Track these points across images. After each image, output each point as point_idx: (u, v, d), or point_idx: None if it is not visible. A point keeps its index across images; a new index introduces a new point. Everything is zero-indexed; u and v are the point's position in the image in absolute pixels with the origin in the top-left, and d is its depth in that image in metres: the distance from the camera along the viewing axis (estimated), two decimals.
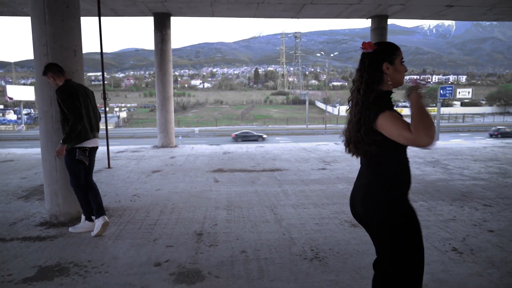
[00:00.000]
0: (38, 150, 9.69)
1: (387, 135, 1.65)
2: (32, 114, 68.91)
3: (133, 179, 6.21)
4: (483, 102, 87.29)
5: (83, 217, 3.71)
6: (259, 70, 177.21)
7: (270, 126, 55.65)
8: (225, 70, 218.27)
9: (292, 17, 10.39)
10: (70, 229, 3.70)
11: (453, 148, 9.57)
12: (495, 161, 7.67)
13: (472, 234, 3.63)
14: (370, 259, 3.06)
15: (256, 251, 3.26)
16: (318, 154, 8.74)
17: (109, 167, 7.23)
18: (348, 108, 1.86)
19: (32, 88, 62.44)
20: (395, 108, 1.79)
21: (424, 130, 1.54)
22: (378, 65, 1.73)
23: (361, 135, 1.71)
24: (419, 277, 1.75)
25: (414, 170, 6.79)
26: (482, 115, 69.88)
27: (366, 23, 10.96)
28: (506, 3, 8.90)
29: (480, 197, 4.95)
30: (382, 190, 1.74)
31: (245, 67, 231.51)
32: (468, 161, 7.69)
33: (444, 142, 11.53)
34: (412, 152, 8.79)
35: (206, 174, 6.54)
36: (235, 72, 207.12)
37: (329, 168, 7.00)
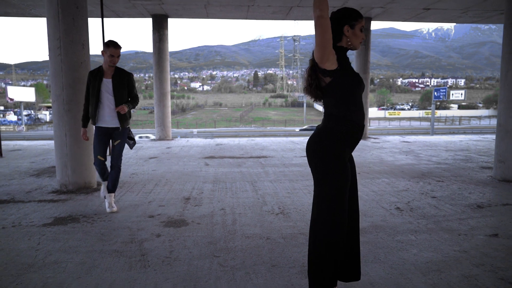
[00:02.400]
0: (43, 142, 10.38)
1: (316, 59, 1.86)
2: (32, 115, 69.63)
3: (132, 163, 6.88)
4: (480, 105, 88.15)
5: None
6: (258, 73, 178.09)
7: (268, 128, 56.36)
8: (225, 73, 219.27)
9: (282, 19, 11.09)
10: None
11: (431, 141, 10.26)
12: (465, 151, 8.35)
13: (417, 199, 4.31)
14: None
15: (233, 209, 3.93)
16: (304, 145, 9.41)
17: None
18: (304, 75, 2.05)
19: (32, 89, 63.26)
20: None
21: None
22: (339, 26, 1.94)
23: (312, 79, 1.94)
24: (337, 228, 1.94)
25: (388, 157, 7.47)
26: (479, 117, 70.75)
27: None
28: (478, 7, 9.61)
29: (437, 176, 5.63)
30: (325, 137, 1.96)
31: (245, 70, 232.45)
32: (440, 151, 8.37)
33: (425, 137, 12.20)
34: (391, 144, 9.51)
35: (198, 160, 7.22)
36: (234, 75, 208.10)
37: None
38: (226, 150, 8.56)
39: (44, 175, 5.73)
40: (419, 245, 2.94)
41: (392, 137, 11.85)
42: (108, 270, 2.53)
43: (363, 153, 8.13)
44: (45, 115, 69.83)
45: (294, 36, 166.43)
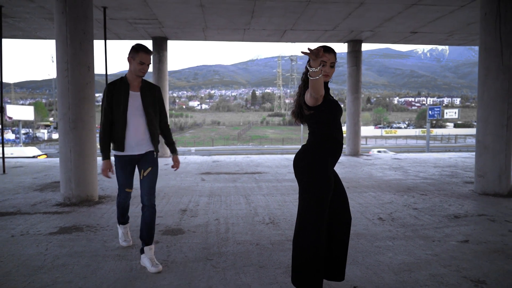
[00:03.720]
0: (43, 159, 10.65)
1: (306, 101, 2.24)
2: (30, 134, 69.89)
3: None
4: (475, 123, 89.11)
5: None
6: (256, 92, 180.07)
7: (265, 146, 56.73)
8: (223, 92, 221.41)
9: (276, 41, 11.59)
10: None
11: (421, 158, 10.59)
12: (452, 167, 8.68)
13: (399, 210, 4.60)
14: None
15: (226, 219, 4.21)
16: None
17: None
18: (294, 96, 2.51)
19: (31, 108, 63.87)
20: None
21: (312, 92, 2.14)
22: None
23: (301, 110, 2.35)
24: (318, 235, 2.21)
25: (377, 173, 7.78)
26: (475, 136, 71.46)
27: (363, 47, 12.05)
28: (462, 31, 10.14)
29: (422, 190, 5.93)
30: (309, 153, 2.29)
31: (243, 89, 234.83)
32: (429, 167, 8.69)
33: (416, 154, 12.54)
34: (382, 161, 9.83)
35: (195, 176, 7.51)
36: (232, 94, 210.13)
37: None
38: (222, 167, 8.85)
39: (47, 190, 6.00)
40: (395, 249, 3.22)
41: (384, 154, 12.20)
42: (111, 271, 2.79)
43: (354, 169, 8.44)
44: (43, 133, 70.10)
45: (291, 56, 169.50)
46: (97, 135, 4.55)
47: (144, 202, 3.01)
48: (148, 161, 2.98)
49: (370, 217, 4.28)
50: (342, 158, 10.73)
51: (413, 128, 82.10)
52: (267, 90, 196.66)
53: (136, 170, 3.10)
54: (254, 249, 3.24)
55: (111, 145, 2.95)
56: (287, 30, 10.00)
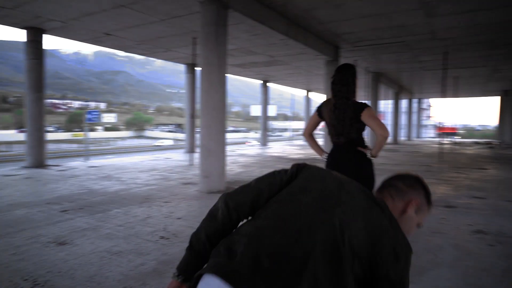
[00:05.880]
0: None
1: (367, 123, 2.69)
2: None
3: None
4: (123, 127, 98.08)
5: None
6: None
7: None
8: None
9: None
10: None
11: (119, 164, 10.39)
12: (155, 171, 9.11)
13: (168, 224, 4.33)
14: (90, 267, 3.06)
15: None
16: None
17: None
18: (333, 113, 2.83)
19: None
20: None
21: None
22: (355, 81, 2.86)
23: (350, 126, 2.74)
24: None
25: (95, 186, 6.90)
26: (123, 138, 78.57)
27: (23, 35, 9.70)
28: (151, 42, 10.85)
29: (160, 198, 5.86)
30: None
31: None
32: (135, 173, 8.68)
33: (106, 160, 12.15)
34: (82, 171, 8.86)
35: None
36: None
37: None
38: None
39: None
40: None
41: (75, 162, 10.98)
42: None
43: (63, 185, 7.04)
44: None
45: None
46: None
47: None
48: None
49: (151, 239, 3.75)
50: (27, 172, 8.66)
51: (63, 131, 78.79)
52: None
53: None
54: None
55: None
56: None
